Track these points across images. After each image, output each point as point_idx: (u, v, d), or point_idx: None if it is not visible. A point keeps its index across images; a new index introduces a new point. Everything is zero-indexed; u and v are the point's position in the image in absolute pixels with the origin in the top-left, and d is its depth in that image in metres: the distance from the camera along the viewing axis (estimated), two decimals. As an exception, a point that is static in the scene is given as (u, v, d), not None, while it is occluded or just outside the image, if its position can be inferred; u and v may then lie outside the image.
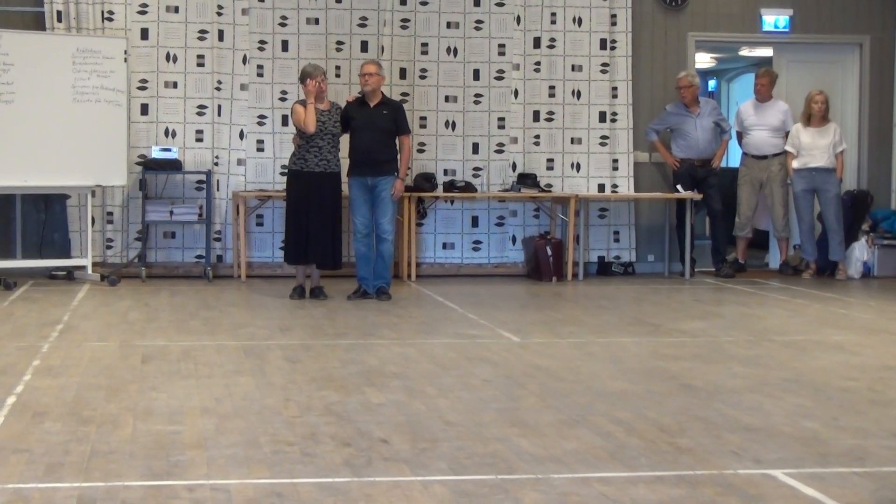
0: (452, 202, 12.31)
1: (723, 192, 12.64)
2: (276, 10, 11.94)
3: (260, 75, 11.95)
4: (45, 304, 9.65)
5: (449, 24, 12.24)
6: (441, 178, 12.14)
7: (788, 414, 5.83)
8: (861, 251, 12.45)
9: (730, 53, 16.26)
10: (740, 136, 12.72)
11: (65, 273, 11.35)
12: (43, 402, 5.91)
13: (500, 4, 12.30)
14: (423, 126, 12.18)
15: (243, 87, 11.93)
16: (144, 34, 11.74)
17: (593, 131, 12.49)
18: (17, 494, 4.34)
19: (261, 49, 11.94)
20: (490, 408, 5.90)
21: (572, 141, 12.47)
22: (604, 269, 12.58)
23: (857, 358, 7.51)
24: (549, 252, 11.82)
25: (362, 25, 12.08)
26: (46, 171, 10.89)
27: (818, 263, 12.44)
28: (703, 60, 16.32)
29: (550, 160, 12.45)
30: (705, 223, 13.82)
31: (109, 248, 11.76)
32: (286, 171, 10.40)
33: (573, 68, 12.44)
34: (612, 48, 12.47)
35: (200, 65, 11.84)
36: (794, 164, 12.22)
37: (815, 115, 12.18)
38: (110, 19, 11.66)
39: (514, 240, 12.44)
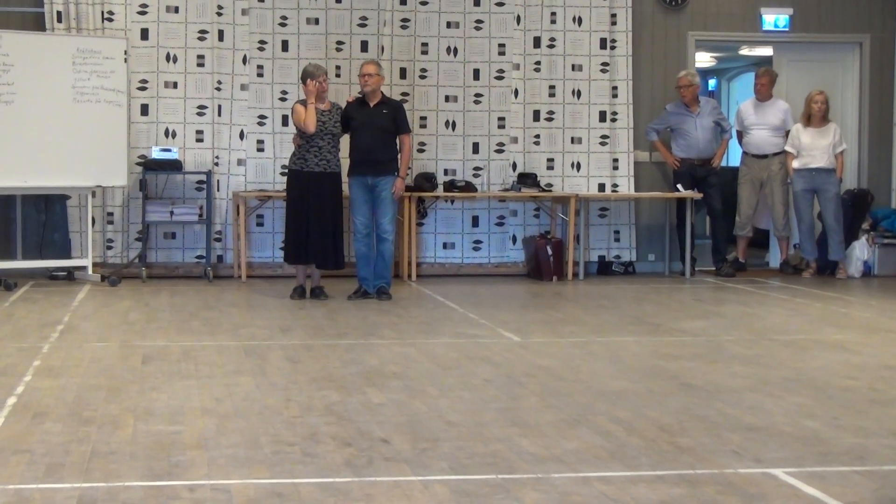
0: (453, 202, 12.31)
1: (723, 191, 12.64)
2: (276, 10, 11.94)
3: (260, 75, 11.95)
4: (45, 305, 9.65)
5: (449, 24, 12.24)
6: (441, 178, 12.14)
7: (789, 413, 5.83)
8: (861, 250, 12.45)
9: (730, 53, 16.26)
10: (740, 135, 12.71)
11: (65, 274, 11.36)
12: (43, 402, 5.91)
13: (500, 4, 12.30)
14: (423, 126, 12.18)
15: (243, 87, 11.94)
16: (144, 34, 11.74)
17: (593, 131, 12.50)
18: (17, 495, 4.34)
19: (261, 49, 11.94)
20: (491, 407, 5.90)
21: (572, 140, 12.47)
22: (604, 268, 12.58)
23: (857, 357, 7.51)
24: (550, 252, 11.82)
25: (362, 25, 12.08)
26: (47, 172, 10.89)
27: (818, 263, 12.45)
28: (704, 60, 16.32)
29: (551, 160, 12.45)
30: (705, 222, 13.82)
31: (110, 248, 11.76)
32: (286, 171, 10.40)
33: (573, 68, 12.44)
34: (613, 48, 12.47)
35: (200, 65, 11.84)
36: (795, 164, 12.22)
37: (816, 115, 12.18)
38: (110, 20, 11.66)
39: (514, 239, 12.44)
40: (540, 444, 5.13)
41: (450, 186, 12.01)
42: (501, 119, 12.37)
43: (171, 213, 11.47)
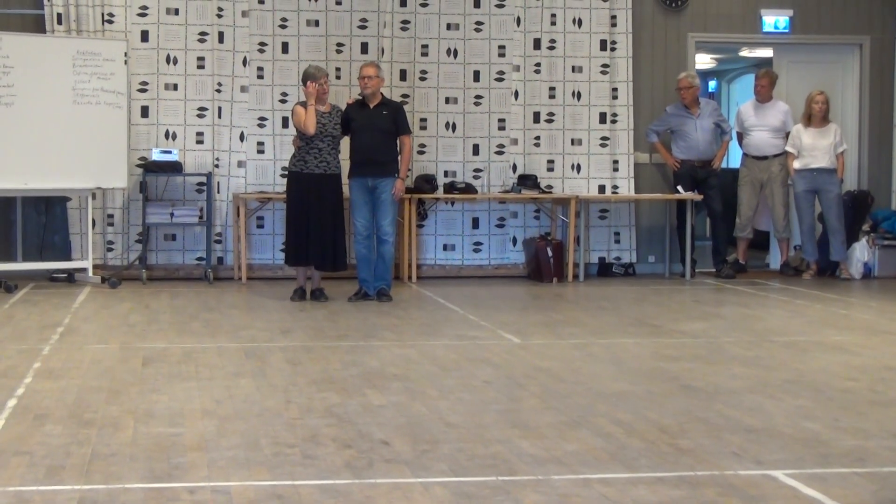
0: (453, 203, 12.31)
1: (723, 192, 12.64)
2: (277, 12, 11.95)
3: (260, 77, 11.96)
4: (45, 307, 9.65)
5: (449, 26, 12.25)
6: (441, 180, 12.14)
7: (789, 415, 5.83)
8: (862, 252, 12.45)
9: (730, 54, 16.26)
10: (741, 136, 12.72)
11: (65, 275, 11.36)
12: (44, 404, 5.91)
13: (501, 6, 12.31)
14: (423, 128, 12.18)
15: (243, 89, 11.94)
16: (144, 36, 11.75)
17: (594, 132, 12.50)
18: (17, 497, 4.34)
19: (261, 51, 11.94)
20: (491, 409, 5.90)
21: (573, 142, 12.48)
22: (604, 270, 12.58)
23: (857, 358, 7.51)
24: (550, 253, 11.82)
25: (362, 27, 12.09)
26: (47, 174, 10.89)
27: (819, 264, 12.45)
28: (704, 61, 16.32)
29: (551, 161, 12.45)
30: (706, 224, 13.82)
31: (110, 250, 11.77)
32: (286, 172, 10.41)
33: (573, 69, 12.44)
34: (613, 49, 12.47)
35: (201, 67, 11.85)
36: (796, 164, 12.22)
37: (816, 115, 12.19)
38: (110, 21, 11.67)
39: (514, 241, 12.45)
40: (540, 446, 5.13)
41: (450, 188, 12.02)
42: (501, 121, 12.37)
43: (172, 214, 11.48)
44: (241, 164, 11.97)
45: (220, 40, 11.87)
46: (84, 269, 11.26)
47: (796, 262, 12.62)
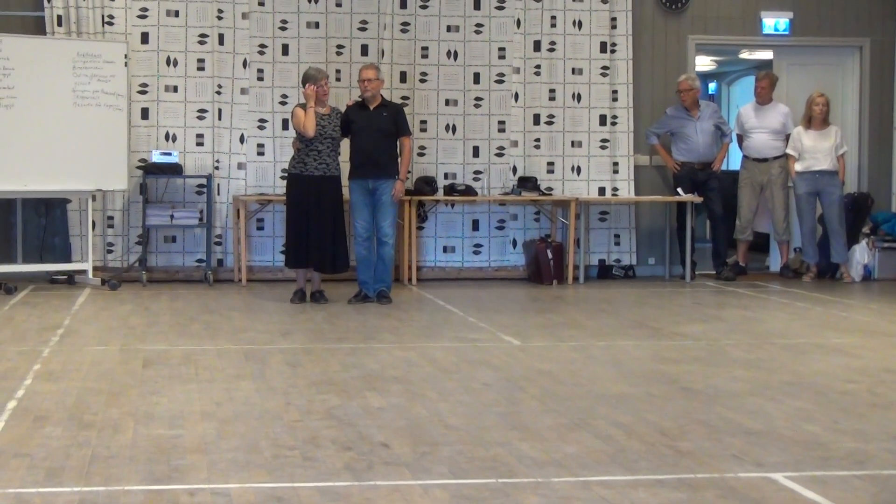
0: (453, 206, 12.32)
1: (723, 195, 12.64)
2: (277, 13, 11.95)
3: (260, 79, 11.96)
4: (45, 309, 9.66)
5: (449, 28, 12.25)
6: (441, 182, 12.15)
7: (789, 417, 5.83)
8: (862, 254, 12.45)
9: (730, 56, 16.26)
10: (741, 138, 12.72)
11: (65, 277, 11.37)
12: (44, 406, 5.91)
13: (501, 8, 12.31)
14: (423, 130, 12.18)
15: (244, 90, 11.94)
16: (145, 38, 11.75)
17: (594, 134, 12.50)
18: (17, 499, 4.34)
19: (261, 53, 11.94)
20: (491, 411, 5.90)
21: (573, 144, 12.48)
22: (604, 272, 12.58)
23: (857, 361, 7.51)
24: (550, 255, 11.82)
25: (362, 29, 12.09)
26: (47, 176, 10.89)
27: (819, 266, 12.45)
28: (704, 63, 16.32)
29: (551, 163, 12.46)
30: (706, 226, 13.83)
31: (110, 252, 11.77)
32: (286, 174, 10.41)
33: (573, 71, 12.45)
34: (613, 51, 12.48)
35: (201, 69, 11.85)
36: (797, 167, 12.22)
37: (816, 117, 12.19)
38: (111, 23, 11.67)
39: (514, 243, 12.45)
40: (540, 448, 5.13)
41: (450, 190, 12.02)
42: (501, 123, 12.37)
43: (172, 216, 11.48)
44: (241, 165, 11.97)
45: (221, 42, 11.88)
46: (84, 271, 11.26)
47: (796, 264, 12.62)
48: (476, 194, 12.12)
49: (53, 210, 11.70)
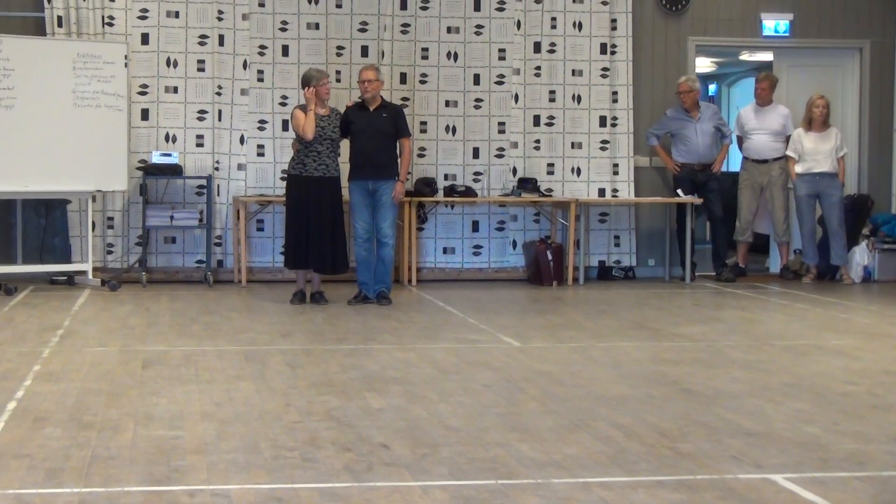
0: (453, 207, 12.32)
1: (723, 196, 12.65)
2: (277, 15, 11.96)
3: (260, 80, 11.96)
4: (45, 310, 9.66)
5: (449, 29, 12.26)
6: (441, 183, 12.15)
7: (789, 418, 5.83)
8: (862, 255, 12.46)
9: (730, 58, 16.26)
10: (741, 140, 12.73)
11: (65, 278, 11.37)
12: (43, 407, 5.91)
13: (501, 9, 12.32)
14: (423, 131, 12.19)
15: (244, 91, 11.95)
16: (145, 39, 11.75)
17: (594, 136, 12.50)
18: (17, 500, 4.34)
19: (261, 54, 11.95)
20: (490, 412, 5.90)
21: (573, 145, 12.48)
22: (604, 273, 12.59)
23: (857, 362, 7.52)
24: (550, 256, 11.82)
25: (362, 30, 12.10)
26: (47, 177, 10.89)
27: (819, 268, 12.45)
28: (704, 65, 16.32)
29: (551, 165, 12.46)
30: (706, 227, 13.82)
31: (110, 253, 11.77)
32: (287, 176, 10.40)
33: (573, 73, 12.45)
34: (613, 53, 12.48)
35: (201, 70, 11.85)
36: (798, 168, 12.23)
37: (817, 119, 12.20)
38: (111, 24, 11.67)
39: (514, 244, 12.45)
40: (540, 450, 5.13)
41: (450, 191, 12.02)
42: (502, 124, 12.38)
43: (172, 217, 11.48)
44: (241, 166, 11.97)
45: (221, 43, 11.88)
46: (84, 272, 11.26)
47: (796, 265, 12.62)
48: (476, 195, 12.12)
49: (53, 211, 11.70)
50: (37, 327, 8.70)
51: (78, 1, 11.56)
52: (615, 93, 12.50)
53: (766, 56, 14.14)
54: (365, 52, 12.08)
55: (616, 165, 12.54)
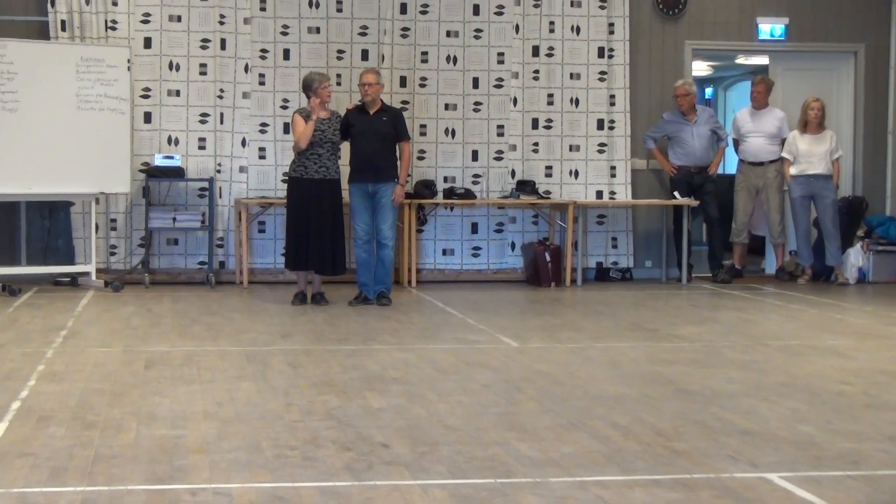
0: (452, 209, 12.32)
1: (719, 198, 12.66)
2: (278, 19, 11.96)
3: (262, 84, 11.97)
4: (49, 310, 9.66)
5: (448, 33, 12.26)
6: (441, 185, 12.16)
7: (784, 418, 5.83)
8: (856, 257, 12.46)
9: (726, 61, 16.27)
10: (737, 143, 12.73)
11: (69, 279, 11.37)
12: (47, 406, 5.92)
13: (500, 13, 12.32)
14: (423, 134, 12.20)
15: (245, 95, 11.95)
16: (147, 43, 11.76)
17: (591, 139, 12.51)
18: (21, 499, 4.35)
19: (262, 58, 11.96)
20: (489, 412, 5.91)
21: (570, 148, 12.49)
22: (602, 274, 12.59)
23: (852, 362, 7.52)
24: (548, 258, 11.83)
25: (363, 34, 12.10)
26: (50, 179, 10.90)
27: (814, 269, 12.46)
28: (700, 68, 16.33)
29: (549, 167, 12.47)
30: (702, 229, 13.83)
31: (113, 254, 11.78)
32: (287, 178, 10.41)
33: (571, 76, 12.46)
34: (610, 56, 12.49)
35: (203, 73, 11.86)
36: (792, 170, 12.24)
37: (812, 122, 12.21)
38: (114, 28, 11.68)
39: (513, 246, 12.46)
40: (537, 449, 5.13)
41: (449, 193, 12.03)
42: (500, 127, 12.38)
43: (174, 219, 11.49)
44: (242, 169, 11.98)
45: (223, 47, 11.89)
46: (87, 273, 11.27)
47: (791, 267, 12.63)
48: (475, 198, 12.12)
49: (57, 213, 11.70)
50: (41, 328, 8.70)
51: (81, 5, 11.57)
52: (613, 96, 12.51)
53: (762, 60, 14.14)
54: (365, 55, 12.08)
55: (613, 168, 12.55)
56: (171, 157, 11.50)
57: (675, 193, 12.25)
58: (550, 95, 12.44)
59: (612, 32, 12.48)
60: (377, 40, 12.10)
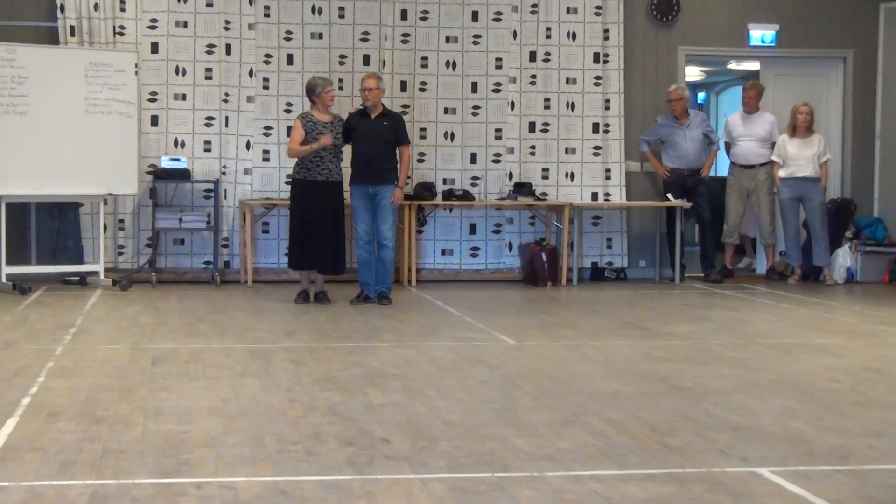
0: (451, 210, 12.32)
1: (711, 200, 12.66)
2: (282, 24, 11.96)
3: (266, 88, 11.97)
4: (58, 309, 9.66)
5: (448, 39, 12.26)
6: (440, 187, 12.16)
7: (774, 414, 5.83)
8: (845, 257, 12.47)
9: (718, 67, 16.29)
10: (728, 146, 12.73)
11: (78, 278, 11.37)
12: (57, 402, 5.92)
13: (498, 20, 12.32)
14: (423, 137, 12.20)
15: (250, 99, 11.95)
16: (154, 48, 11.76)
17: (587, 142, 12.51)
18: (31, 492, 4.34)
19: (266, 62, 11.96)
20: (487, 408, 5.90)
21: (566, 151, 12.49)
22: (597, 274, 12.59)
23: (840, 360, 7.52)
24: (545, 258, 11.82)
25: (364, 40, 12.10)
26: (60, 181, 10.90)
27: (803, 269, 12.46)
28: (693, 74, 16.34)
29: (545, 170, 12.47)
30: (695, 230, 13.83)
31: (121, 254, 11.77)
32: (290, 180, 10.42)
33: (567, 81, 12.46)
34: (605, 62, 12.49)
35: (208, 78, 11.86)
36: (781, 173, 12.25)
37: (801, 126, 12.21)
38: (122, 34, 11.68)
39: (510, 246, 12.46)
40: (534, 444, 5.13)
41: (448, 195, 12.03)
42: (498, 130, 12.38)
43: (180, 220, 11.49)
44: (247, 171, 11.98)
45: (228, 52, 11.88)
46: (96, 273, 11.27)
47: (781, 267, 12.63)
48: (473, 199, 12.12)
49: (66, 213, 11.71)
50: (50, 326, 8.70)
51: (90, 11, 11.56)
52: (608, 100, 12.51)
53: (753, 65, 14.16)
54: (367, 60, 12.08)
55: (608, 170, 12.55)
56: (178, 160, 11.50)
57: (669, 195, 12.25)
58: (547, 100, 12.44)
59: (607, 38, 12.48)
60: (378, 46, 12.10)
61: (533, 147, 12.44)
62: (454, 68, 12.29)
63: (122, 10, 11.66)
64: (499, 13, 12.32)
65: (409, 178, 11.13)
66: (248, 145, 11.97)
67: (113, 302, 10.18)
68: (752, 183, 12.49)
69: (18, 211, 11.46)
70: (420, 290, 11.33)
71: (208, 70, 11.86)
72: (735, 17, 12.89)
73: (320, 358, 7.37)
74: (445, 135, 12.29)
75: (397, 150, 10.24)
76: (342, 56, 12.07)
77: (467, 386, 6.49)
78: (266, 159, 12.00)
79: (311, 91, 10.09)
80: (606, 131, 12.52)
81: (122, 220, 11.78)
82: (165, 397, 6.09)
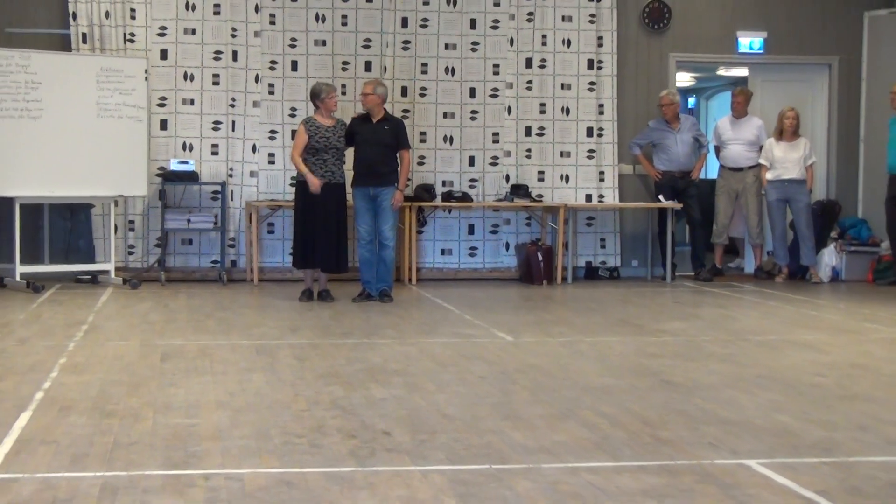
0: (450, 211, 12.32)
1: (701, 201, 12.66)
2: (287, 32, 11.96)
3: (271, 93, 11.97)
4: (71, 306, 9.65)
5: (447, 46, 12.26)
6: (440, 189, 12.16)
7: (762, 408, 5.83)
8: (830, 257, 12.48)
9: (708, 73, 16.29)
10: (718, 149, 12.74)
11: (89, 277, 11.37)
12: (69, 397, 5.91)
13: (495, 27, 12.32)
14: (422, 140, 12.19)
15: (256, 104, 11.95)
16: (164, 54, 11.76)
17: (581, 145, 12.51)
18: (44, 483, 4.34)
19: (272, 69, 11.95)
20: (485, 402, 5.90)
21: (561, 154, 12.49)
22: (591, 273, 12.59)
23: (826, 356, 7.52)
24: (540, 257, 11.83)
25: (366, 47, 12.10)
26: (72, 183, 10.90)
27: (790, 268, 12.46)
28: (684, 79, 16.34)
29: (541, 172, 12.46)
30: (685, 231, 13.83)
31: (131, 253, 11.77)
32: (295, 182, 10.42)
33: (562, 87, 12.46)
34: (599, 68, 12.49)
35: (216, 83, 11.85)
36: (768, 175, 12.26)
37: (787, 130, 12.21)
38: (132, 41, 11.68)
39: (507, 246, 12.45)
40: (530, 437, 5.13)
41: (447, 197, 12.03)
42: (496, 134, 12.38)
43: (189, 220, 11.49)
44: (253, 173, 11.98)
45: (234, 58, 11.88)
46: (107, 272, 11.27)
47: (769, 266, 12.64)
48: (472, 201, 12.12)
49: (78, 214, 11.70)
50: (63, 323, 8.70)
51: (101, 19, 11.56)
52: (601, 105, 12.51)
53: (742, 71, 14.16)
54: (368, 66, 12.08)
55: (602, 173, 12.55)
56: (186, 163, 11.50)
57: (660, 197, 12.26)
58: (543, 105, 12.44)
59: (600, 45, 12.48)
60: (380, 52, 12.10)
61: (529, 150, 12.44)
62: (453, 74, 12.28)
63: (133, 17, 11.66)
64: (496, 21, 12.31)
65: (409, 180, 11.13)
66: (254, 148, 11.97)
67: (123, 300, 10.17)
68: (740, 185, 12.49)
69: (32, 212, 11.45)
70: (420, 289, 11.33)
71: (215, 76, 11.85)
72: (724, 24, 12.89)
73: (324, 354, 7.37)
74: (445, 138, 12.29)
75: (398, 154, 10.24)
76: (345, 62, 12.07)
77: (466, 381, 6.49)
78: (271, 162, 12.00)
79: (316, 96, 10.08)
80: (600, 135, 12.52)
81: (132, 221, 11.78)
82: (174, 392, 6.09)
